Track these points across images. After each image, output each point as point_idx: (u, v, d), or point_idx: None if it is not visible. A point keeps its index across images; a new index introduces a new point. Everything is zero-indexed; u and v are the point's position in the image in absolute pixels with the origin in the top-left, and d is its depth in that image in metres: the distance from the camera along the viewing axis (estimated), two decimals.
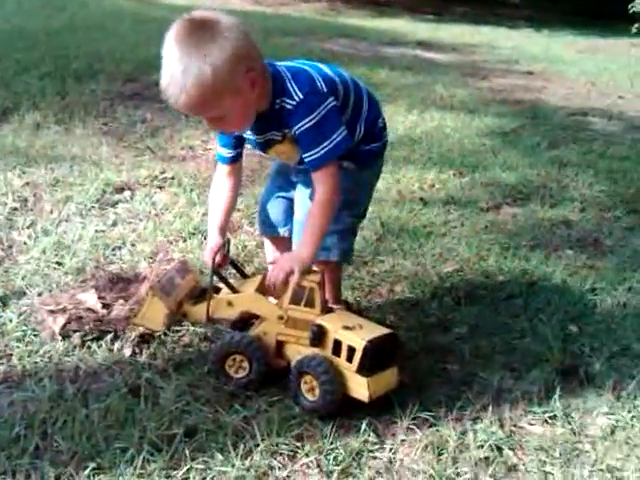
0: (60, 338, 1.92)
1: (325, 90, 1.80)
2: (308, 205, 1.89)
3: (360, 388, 1.68)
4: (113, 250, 2.49)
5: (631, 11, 11.32)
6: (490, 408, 1.77)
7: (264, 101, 1.77)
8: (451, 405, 1.78)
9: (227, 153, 1.96)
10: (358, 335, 1.69)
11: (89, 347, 1.90)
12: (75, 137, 3.67)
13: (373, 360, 1.68)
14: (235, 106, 1.72)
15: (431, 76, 6.45)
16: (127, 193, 3.01)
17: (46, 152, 3.36)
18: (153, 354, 1.89)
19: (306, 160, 1.79)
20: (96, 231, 2.61)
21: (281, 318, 1.78)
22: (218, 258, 1.89)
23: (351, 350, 1.68)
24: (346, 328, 1.72)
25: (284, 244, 2.07)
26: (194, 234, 2.65)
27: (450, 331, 2.15)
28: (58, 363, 1.83)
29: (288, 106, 1.76)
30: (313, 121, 1.75)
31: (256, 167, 3.44)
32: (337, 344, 1.71)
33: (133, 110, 4.32)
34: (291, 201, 2.02)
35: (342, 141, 1.79)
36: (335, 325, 1.73)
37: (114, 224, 2.70)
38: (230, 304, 1.83)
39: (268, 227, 2.12)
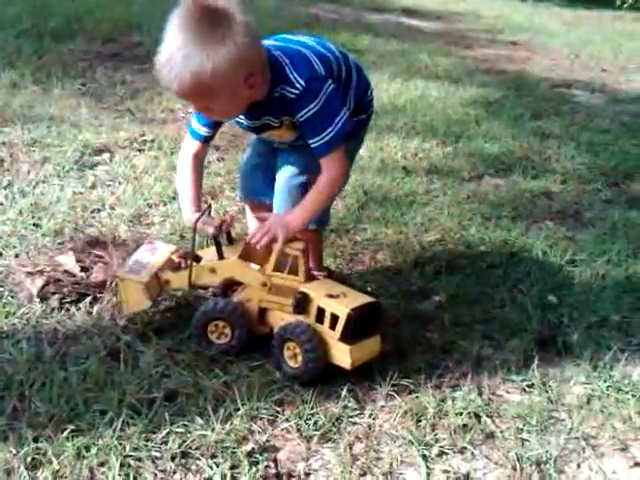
0: (38, 300, 1.89)
1: (324, 73, 1.77)
2: (290, 171, 1.88)
3: (343, 356, 1.68)
4: (92, 213, 2.45)
5: None
6: (469, 376, 1.79)
7: (261, 91, 1.73)
8: (430, 373, 1.79)
9: (204, 132, 1.91)
10: (342, 303, 1.69)
11: (67, 310, 1.88)
12: (53, 97, 3.59)
13: (356, 328, 1.68)
14: (227, 102, 1.70)
15: (415, 44, 6.39)
16: (106, 155, 2.95)
17: (23, 112, 3.29)
18: (132, 318, 1.87)
19: (312, 146, 1.77)
20: (74, 193, 2.57)
21: (264, 285, 1.77)
22: (213, 227, 1.84)
23: (334, 318, 1.68)
24: (330, 296, 1.71)
25: (265, 210, 2.05)
26: (174, 198, 2.60)
27: (431, 300, 2.16)
28: (36, 325, 1.81)
29: (290, 95, 1.73)
30: (316, 107, 1.73)
31: (239, 132, 3.39)
32: (320, 312, 1.71)
33: (112, 71, 4.23)
34: (272, 169, 2.00)
35: (345, 123, 1.78)
36: (319, 293, 1.72)
37: (93, 186, 2.66)
38: (213, 271, 1.81)
39: (250, 194, 2.09)
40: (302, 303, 1.72)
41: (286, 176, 1.90)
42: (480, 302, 2.17)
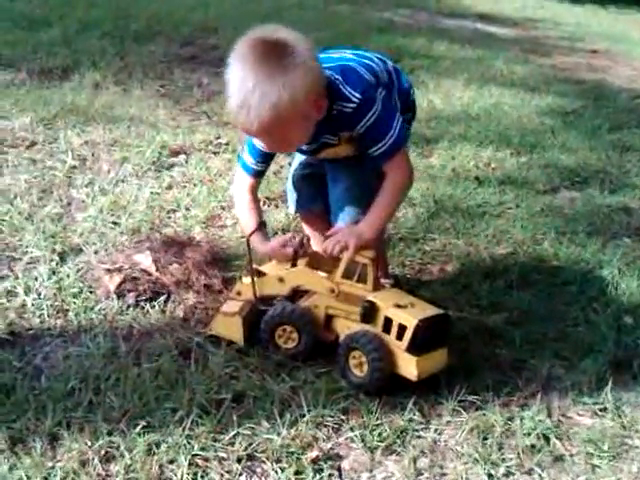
0: (115, 297, 1.96)
1: (374, 81, 1.80)
2: (345, 183, 1.90)
3: (409, 367, 1.68)
4: (168, 213, 2.52)
5: None
6: (538, 396, 1.75)
7: (324, 112, 1.74)
8: (499, 390, 1.76)
9: (259, 166, 1.93)
10: (410, 314, 1.68)
11: (143, 307, 1.94)
12: (133, 98, 3.71)
13: (423, 339, 1.67)
14: (302, 129, 1.72)
15: (491, 51, 6.28)
16: (182, 157, 3.03)
17: (105, 112, 3.41)
18: (203, 320, 1.91)
19: (375, 154, 1.79)
20: (151, 193, 2.65)
21: (332, 291, 1.78)
22: (292, 249, 1.87)
23: (402, 328, 1.67)
24: (397, 306, 1.70)
25: (320, 219, 2.07)
26: None
27: (501, 314, 2.12)
28: (112, 321, 1.88)
29: (347, 110, 1.74)
30: (374, 116, 1.75)
31: None
32: (388, 321, 1.70)
33: (190, 73, 4.33)
34: (321, 176, 2.00)
35: (402, 125, 1.80)
36: (386, 302, 1.72)
37: (169, 187, 2.73)
38: (281, 280, 1.84)
39: (301, 204, 2.11)
40: (369, 312, 1.72)
41: (345, 186, 1.91)
42: (552, 320, 2.12)
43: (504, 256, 2.49)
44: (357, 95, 1.74)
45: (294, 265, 1.84)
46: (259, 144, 1.86)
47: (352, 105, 1.74)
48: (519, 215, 2.84)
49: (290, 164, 2.23)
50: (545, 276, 2.38)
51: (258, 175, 1.96)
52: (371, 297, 1.73)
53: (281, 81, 1.60)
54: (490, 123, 4.01)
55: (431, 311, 1.73)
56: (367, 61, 1.87)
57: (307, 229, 2.18)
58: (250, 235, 1.90)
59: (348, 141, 1.84)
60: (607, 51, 7.17)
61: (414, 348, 1.67)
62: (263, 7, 6.62)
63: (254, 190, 1.97)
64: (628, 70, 6.30)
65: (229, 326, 1.83)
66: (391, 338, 1.70)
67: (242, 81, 1.62)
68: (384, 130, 1.77)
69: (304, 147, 1.89)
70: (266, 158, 1.92)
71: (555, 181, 3.27)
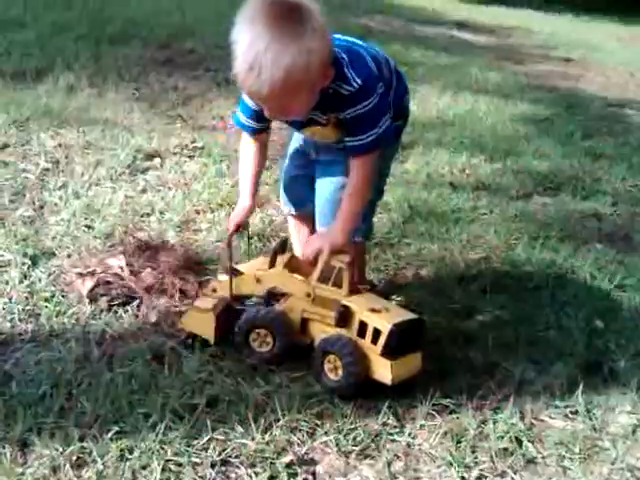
0: (87, 301, 1.94)
1: (377, 74, 1.77)
2: (330, 186, 1.89)
3: (383, 371, 1.68)
4: (142, 217, 2.50)
5: None
6: (511, 399, 1.76)
7: (327, 83, 1.71)
8: (472, 393, 1.77)
9: (254, 124, 1.90)
10: (384, 318, 1.69)
11: (115, 312, 1.92)
12: (107, 101, 3.68)
13: (398, 344, 1.68)
14: (305, 98, 1.69)
15: (466, 58, 6.35)
16: (157, 160, 3.01)
17: (79, 114, 3.37)
18: (177, 323, 1.90)
19: (349, 144, 1.77)
20: (126, 197, 2.63)
21: (308, 295, 1.78)
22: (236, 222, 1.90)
23: (376, 333, 1.68)
24: (372, 310, 1.71)
25: (308, 220, 2.07)
26: (222, 205, 2.65)
27: (474, 319, 2.14)
28: (85, 325, 1.86)
29: (344, 92, 1.71)
30: (366, 108, 1.72)
31: (287, 141, 3.42)
32: (363, 326, 1.71)
33: (165, 77, 4.31)
34: (311, 178, 2.00)
35: (387, 128, 1.78)
36: (361, 307, 1.72)
37: (144, 191, 2.71)
38: (258, 281, 1.83)
39: (292, 205, 2.11)
40: (344, 317, 1.73)
41: (330, 190, 1.91)
42: (525, 324, 2.14)
43: (478, 261, 2.51)
44: (358, 81, 1.70)
45: (272, 266, 1.84)
46: (252, 104, 1.82)
47: (350, 89, 1.70)
48: (493, 220, 2.87)
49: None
50: (518, 281, 2.40)
51: (258, 133, 1.91)
52: (346, 302, 1.74)
53: (297, 45, 1.55)
54: (465, 129, 4.05)
55: (405, 316, 1.74)
56: (374, 52, 1.84)
57: (293, 232, 2.17)
58: (231, 235, 1.90)
59: (335, 125, 1.80)
60: (580, 59, 7.28)
61: (389, 352, 1.68)
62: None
63: (257, 150, 1.94)
64: (601, 78, 6.40)
65: (201, 322, 1.82)
66: (366, 342, 1.70)
67: (254, 41, 1.54)
68: (370, 125, 1.74)
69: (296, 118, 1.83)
70: (262, 118, 1.86)
71: (528, 187, 3.31)
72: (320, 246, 1.77)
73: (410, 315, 1.75)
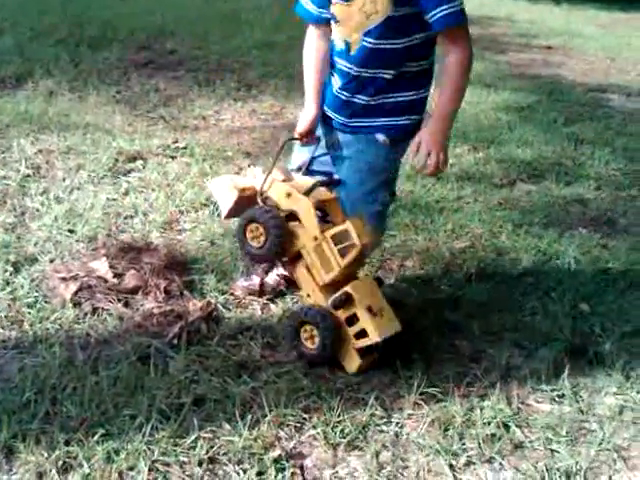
0: (71, 305, 1.93)
1: None
2: (356, 181, 1.88)
3: (350, 361, 1.77)
4: (125, 219, 2.49)
5: None
6: (498, 385, 1.77)
7: None
8: (459, 381, 1.77)
9: (316, 11, 1.85)
10: (377, 327, 1.72)
11: (100, 315, 1.92)
12: (88, 105, 3.66)
13: (375, 349, 1.76)
14: None
15: None
16: (139, 162, 3.00)
17: (59, 120, 3.36)
18: (162, 323, 1.89)
19: (438, 15, 1.67)
20: (108, 199, 2.62)
21: (315, 239, 1.77)
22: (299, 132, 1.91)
23: (364, 334, 1.73)
24: (370, 310, 1.73)
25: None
26: (206, 205, 2.65)
27: (460, 307, 2.14)
28: (69, 330, 1.85)
29: None
30: None
31: (269, 138, 3.43)
32: (355, 318, 1.74)
33: (146, 79, 4.30)
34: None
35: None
36: (362, 302, 1.74)
37: (126, 193, 2.70)
38: (288, 195, 1.79)
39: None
40: (343, 302, 1.74)
41: (357, 187, 1.89)
42: (510, 310, 2.15)
43: (463, 250, 2.51)
44: None
45: (307, 194, 1.80)
46: None
47: None
48: (477, 209, 2.87)
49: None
50: (503, 268, 2.41)
51: (326, 21, 1.85)
52: (350, 289, 1.74)
53: None
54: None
55: (394, 328, 1.76)
56: None
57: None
58: (289, 140, 1.93)
59: None
60: (561, 47, 7.29)
61: (365, 353, 1.76)
62: (220, 9, 6.60)
63: (322, 48, 1.89)
64: (582, 64, 6.42)
65: (225, 194, 1.84)
66: (350, 331, 1.75)
67: None
68: None
69: None
70: (324, 3, 1.82)
71: (512, 175, 3.32)
72: (428, 150, 1.76)
73: (397, 327, 1.77)
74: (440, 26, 1.71)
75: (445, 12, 1.68)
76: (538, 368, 1.86)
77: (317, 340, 1.75)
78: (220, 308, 2.00)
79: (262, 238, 1.78)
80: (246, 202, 1.83)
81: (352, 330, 1.74)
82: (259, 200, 1.82)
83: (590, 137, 3.99)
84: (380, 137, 1.89)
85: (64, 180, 2.74)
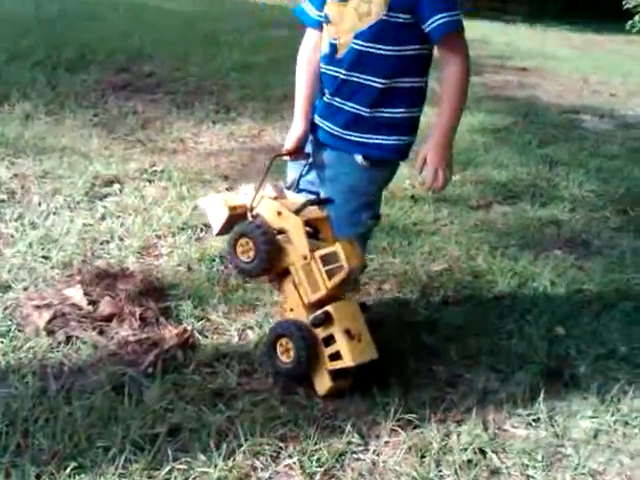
0: (45, 334, 1.91)
1: None
2: (341, 200, 1.88)
3: (322, 383, 1.76)
4: (101, 244, 2.47)
5: (625, 7, 11.35)
6: (474, 410, 1.77)
7: None
8: (436, 406, 1.78)
9: (316, 15, 1.84)
10: (353, 351, 1.71)
11: (74, 344, 1.89)
12: (65, 128, 3.64)
13: (347, 373, 1.76)
14: None
15: None
16: (116, 186, 2.98)
17: (35, 143, 3.34)
18: (138, 351, 1.87)
19: (437, 23, 1.67)
20: (84, 225, 2.60)
21: (305, 258, 1.77)
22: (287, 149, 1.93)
23: (338, 356, 1.72)
24: (348, 333, 1.73)
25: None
26: (183, 229, 2.64)
27: (437, 330, 2.15)
28: (42, 359, 1.82)
29: None
30: None
31: (248, 161, 3.43)
32: (332, 339, 1.74)
33: (124, 101, 4.29)
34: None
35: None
36: (341, 323, 1.73)
37: (102, 218, 2.68)
38: (279, 214, 1.79)
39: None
40: (322, 321, 1.74)
41: (340, 208, 1.88)
42: (487, 333, 2.16)
43: (440, 273, 2.53)
44: None
45: (298, 213, 1.80)
46: None
47: None
48: (454, 231, 2.90)
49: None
50: (479, 291, 2.43)
51: (321, 25, 1.84)
52: (331, 309, 1.74)
53: None
54: (423, 141, 4.07)
55: (369, 355, 1.76)
56: None
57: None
58: (277, 156, 1.94)
59: None
60: (536, 68, 7.42)
61: (337, 376, 1.75)
62: (199, 31, 6.62)
63: (315, 60, 1.88)
64: (556, 86, 6.53)
65: (216, 211, 1.86)
66: (325, 352, 1.75)
67: None
68: (450, 4, 1.66)
69: None
70: (322, 4, 1.82)
71: (488, 197, 3.35)
72: (435, 166, 1.79)
73: (374, 354, 1.76)
74: (439, 33, 1.71)
75: (445, 19, 1.68)
76: (514, 392, 1.87)
77: (292, 353, 1.74)
78: (196, 335, 1.99)
79: (251, 253, 1.78)
80: (238, 220, 1.85)
81: (328, 351, 1.74)
82: (249, 216, 1.83)
83: (564, 158, 4.05)
84: (358, 158, 1.88)
85: (40, 205, 2.72)
